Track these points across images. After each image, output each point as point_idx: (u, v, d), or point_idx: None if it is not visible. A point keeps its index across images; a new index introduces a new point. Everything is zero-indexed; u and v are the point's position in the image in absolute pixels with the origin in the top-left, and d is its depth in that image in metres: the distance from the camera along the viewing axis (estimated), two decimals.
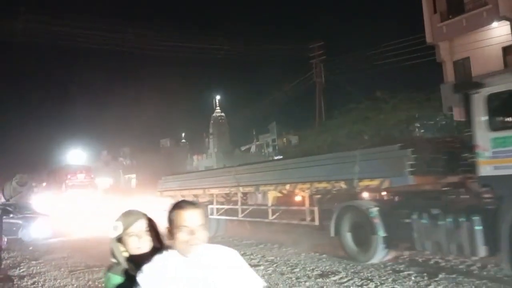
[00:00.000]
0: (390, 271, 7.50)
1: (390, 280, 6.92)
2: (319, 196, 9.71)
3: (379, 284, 6.69)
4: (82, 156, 43.75)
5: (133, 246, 2.08)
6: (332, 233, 8.90)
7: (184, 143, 67.05)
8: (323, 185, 9.35)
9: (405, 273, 7.32)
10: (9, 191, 16.92)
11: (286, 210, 10.82)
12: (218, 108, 60.26)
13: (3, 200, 17.42)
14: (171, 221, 1.91)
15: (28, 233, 15.14)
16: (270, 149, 51.88)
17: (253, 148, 57.43)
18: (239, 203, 12.11)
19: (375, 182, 8.20)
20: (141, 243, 2.08)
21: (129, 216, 2.12)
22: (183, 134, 67.80)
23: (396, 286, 6.53)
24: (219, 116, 59.97)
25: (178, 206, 1.94)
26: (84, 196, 27.93)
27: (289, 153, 37.75)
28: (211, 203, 13.23)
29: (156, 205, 17.50)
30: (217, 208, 13.02)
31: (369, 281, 6.87)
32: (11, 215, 15.41)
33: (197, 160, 61.93)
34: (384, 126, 26.46)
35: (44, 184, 35.92)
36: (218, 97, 60.66)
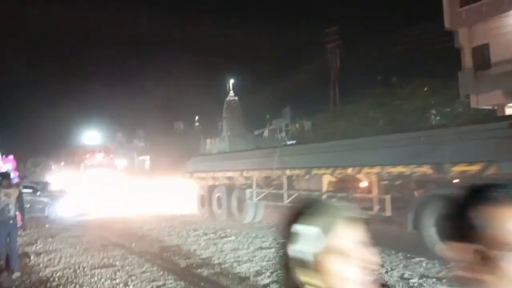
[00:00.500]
0: (402, 257, 7.51)
1: (401, 266, 6.94)
2: (390, 182, 8.48)
3: (389, 269, 6.71)
4: (97, 138, 44.21)
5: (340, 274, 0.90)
6: (410, 227, 7.74)
7: (197, 126, 67.30)
8: (398, 169, 8.05)
9: (417, 259, 7.32)
10: (23, 171, 17.72)
11: (345, 198, 9.22)
12: (232, 92, 60.17)
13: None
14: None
15: (54, 211, 15.58)
16: (283, 134, 51.74)
17: (266, 133, 57.33)
18: (285, 187, 11.00)
19: (474, 167, 6.93)
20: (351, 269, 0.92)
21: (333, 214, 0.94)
22: (196, 117, 68.01)
23: (406, 271, 6.55)
24: (232, 100, 59.87)
25: None
26: (103, 176, 27.47)
27: (303, 139, 37.70)
28: (249, 186, 12.34)
29: (185, 187, 17.94)
30: (256, 192, 12.04)
31: (379, 266, 6.89)
32: (38, 193, 15.94)
33: (210, 143, 62.18)
34: (399, 112, 26.18)
35: (62, 163, 36.03)
36: (232, 81, 60.49)
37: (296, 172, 10.60)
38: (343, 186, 9.61)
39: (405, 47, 26.13)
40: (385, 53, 29.20)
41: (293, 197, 10.62)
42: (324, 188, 9.85)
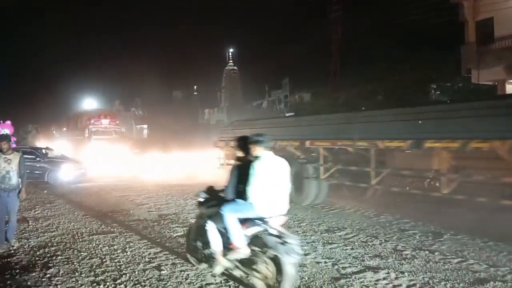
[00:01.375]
0: (396, 229, 7.62)
1: (395, 238, 7.04)
2: None
3: (383, 241, 6.82)
4: (94, 105, 43.97)
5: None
6: None
7: (196, 95, 66.92)
8: None
9: (410, 232, 7.43)
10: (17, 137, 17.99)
11: (471, 182, 7.22)
12: (231, 61, 59.58)
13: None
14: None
15: (54, 177, 15.67)
16: (282, 106, 51.62)
17: (264, 104, 57.20)
18: (373, 164, 8.61)
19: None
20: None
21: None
22: (195, 87, 67.55)
23: (400, 244, 6.65)
24: (231, 69, 59.42)
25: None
26: (108, 142, 26.10)
27: (302, 110, 37.59)
28: (313, 161, 10.15)
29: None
30: (324, 168, 9.80)
31: (374, 238, 7.00)
32: (38, 159, 15.98)
33: (208, 113, 62.01)
34: (399, 87, 26.02)
35: (65, 129, 35.05)
36: (231, 50, 59.87)
37: (395, 144, 8.04)
38: (467, 166, 7.44)
39: (408, 19, 25.67)
40: (387, 26, 28.72)
41: (382, 176, 8.53)
42: (443, 167, 7.62)
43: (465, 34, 20.11)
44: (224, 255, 4.77)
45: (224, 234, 4.74)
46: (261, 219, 4.53)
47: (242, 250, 4.58)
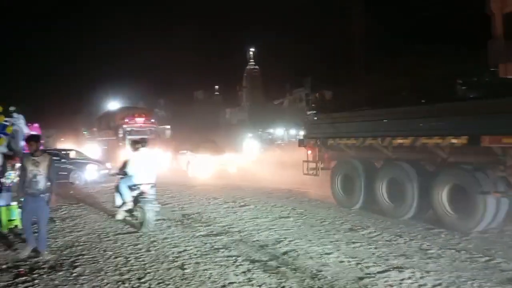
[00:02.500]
0: (421, 228, 7.48)
1: (419, 236, 6.91)
2: None
3: (408, 240, 6.70)
4: (119, 106, 44.64)
5: None
6: None
7: (217, 95, 67.28)
8: None
9: (436, 230, 7.28)
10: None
11: None
12: (252, 61, 59.64)
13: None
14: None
15: (78, 178, 16.06)
16: (304, 104, 51.32)
17: (286, 102, 57.03)
18: None
19: None
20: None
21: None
22: (216, 87, 67.91)
23: (425, 242, 6.52)
24: (252, 68, 59.49)
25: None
26: (144, 143, 24.83)
27: (323, 109, 37.28)
28: (416, 161, 8.26)
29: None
30: None
31: (398, 237, 6.88)
32: (63, 160, 16.41)
33: (230, 113, 62.25)
34: (425, 82, 25.50)
35: (95, 129, 33.70)
36: (252, 50, 59.89)
37: None
38: None
39: (433, 13, 25.11)
40: (412, 19, 28.18)
41: None
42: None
43: (492, 28, 19.57)
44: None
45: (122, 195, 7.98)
46: (136, 185, 7.83)
47: (129, 204, 7.90)
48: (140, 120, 25.94)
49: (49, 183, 5.96)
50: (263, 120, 49.30)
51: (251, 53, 59.91)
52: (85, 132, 39.40)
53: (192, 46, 65.07)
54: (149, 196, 7.73)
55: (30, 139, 6.09)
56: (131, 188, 7.88)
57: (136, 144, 8.13)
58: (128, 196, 7.87)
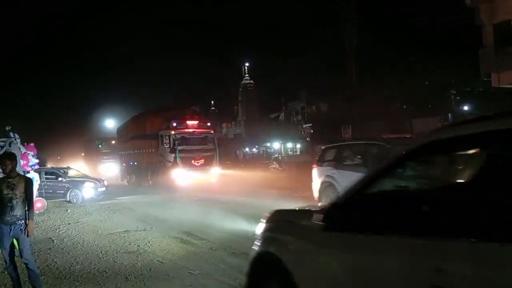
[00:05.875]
0: None
1: None
2: None
3: None
4: (112, 124, 44.30)
5: None
6: None
7: (213, 110, 67.45)
8: None
9: None
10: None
11: None
12: (247, 75, 60.01)
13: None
14: None
15: (76, 196, 15.99)
16: (299, 117, 51.59)
17: (281, 116, 57.28)
18: None
19: None
20: None
21: None
22: (212, 102, 68.14)
23: None
24: (248, 83, 59.80)
25: None
26: (200, 156, 18.80)
27: (319, 121, 37.49)
28: None
29: None
30: None
31: None
32: (60, 179, 16.37)
33: (226, 127, 62.35)
34: (418, 92, 25.73)
35: (117, 141, 28.43)
36: (247, 64, 60.30)
37: None
38: None
39: (425, 24, 25.49)
40: (404, 30, 28.56)
41: None
42: None
43: (482, 37, 19.84)
44: None
45: None
46: None
47: None
48: (193, 123, 19.12)
49: (26, 209, 5.01)
50: (259, 133, 49.43)
51: (246, 67, 60.27)
52: (100, 146, 33.96)
53: (187, 62, 65.43)
54: None
55: (4, 157, 5.15)
56: None
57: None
58: None
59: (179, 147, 18.34)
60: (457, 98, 25.03)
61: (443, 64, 24.20)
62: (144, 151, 20.88)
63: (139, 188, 20.85)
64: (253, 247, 3.49)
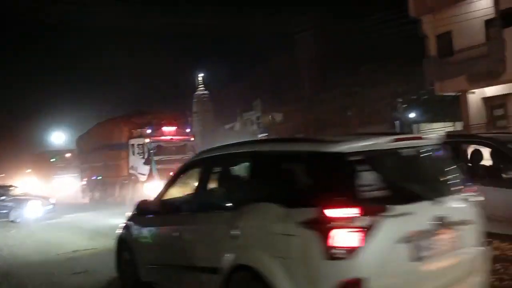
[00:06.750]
0: None
1: None
2: None
3: None
4: (62, 138, 42.11)
5: None
6: None
7: None
8: None
9: None
10: None
11: None
12: (201, 86, 59.67)
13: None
14: None
15: (20, 215, 15.09)
16: (255, 127, 51.85)
17: (237, 126, 57.32)
18: None
19: None
20: None
21: None
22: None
23: None
24: (202, 94, 59.45)
25: None
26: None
27: (275, 131, 37.89)
28: None
29: None
30: None
31: None
32: (3, 198, 15.48)
33: None
34: (368, 101, 26.64)
35: (68, 155, 27.26)
36: (201, 75, 60.00)
37: None
38: None
39: (375, 36, 26.46)
40: (355, 41, 29.52)
41: None
42: None
43: (426, 48, 20.88)
44: None
45: None
46: None
47: None
48: (170, 130, 16.78)
49: None
50: (215, 144, 49.16)
51: (200, 78, 59.99)
52: (54, 160, 31.11)
53: (138, 73, 64.19)
54: None
55: None
56: None
57: None
58: None
59: (156, 158, 15.95)
60: (404, 106, 26.14)
61: (391, 74, 25.24)
62: (110, 163, 18.26)
63: (101, 205, 18.96)
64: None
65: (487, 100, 19.28)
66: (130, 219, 5.33)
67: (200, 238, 3.88)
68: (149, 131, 16.32)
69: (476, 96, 19.53)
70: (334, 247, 2.68)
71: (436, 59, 20.27)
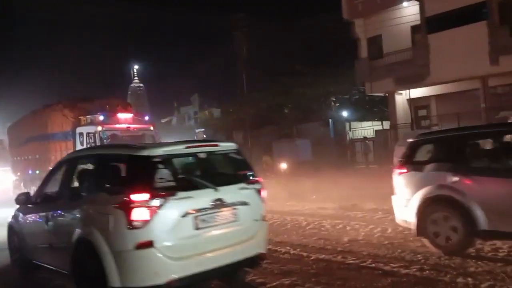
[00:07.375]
0: None
1: None
2: None
3: None
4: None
5: None
6: None
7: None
8: None
9: None
10: None
11: None
12: (136, 78, 57.86)
13: None
14: None
15: None
16: (192, 122, 51.27)
17: (174, 121, 56.30)
18: None
19: None
20: None
21: None
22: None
23: None
24: (137, 86, 57.63)
25: None
26: None
27: (212, 126, 37.68)
28: None
29: None
30: None
31: None
32: None
33: None
34: (303, 99, 27.31)
35: (7, 145, 22.63)
36: (136, 67, 58.15)
37: None
38: None
39: (311, 36, 27.05)
40: (292, 41, 30.03)
41: None
42: None
43: (358, 50, 21.77)
44: None
45: None
46: None
47: None
48: (126, 117, 14.72)
49: None
50: None
51: (135, 70, 58.11)
52: None
53: (70, 61, 60.86)
54: None
55: None
56: None
57: None
58: None
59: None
60: (337, 105, 27.12)
61: (325, 74, 26.01)
62: (51, 156, 15.52)
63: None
64: None
65: (412, 101, 20.47)
66: (18, 209, 6.18)
67: (59, 222, 5.01)
68: (101, 117, 14.20)
69: (403, 97, 20.69)
70: (134, 220, 3.89)
71: (367, 61, 21.19)
